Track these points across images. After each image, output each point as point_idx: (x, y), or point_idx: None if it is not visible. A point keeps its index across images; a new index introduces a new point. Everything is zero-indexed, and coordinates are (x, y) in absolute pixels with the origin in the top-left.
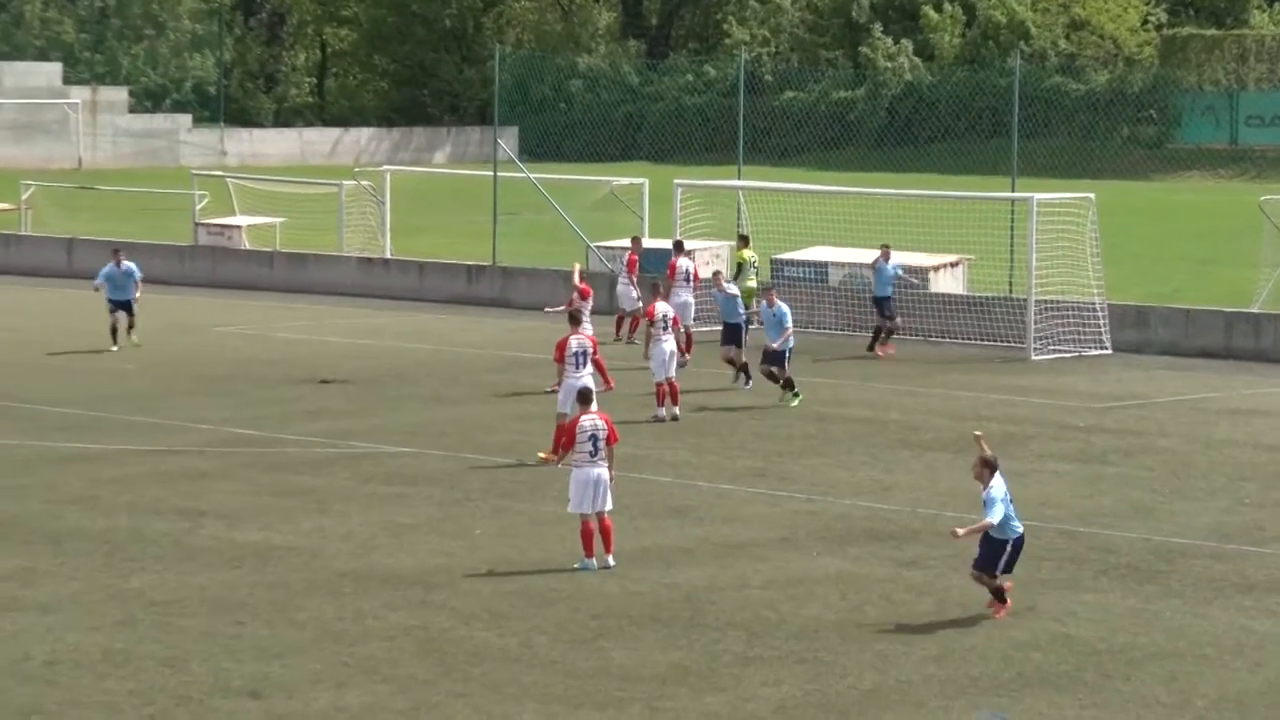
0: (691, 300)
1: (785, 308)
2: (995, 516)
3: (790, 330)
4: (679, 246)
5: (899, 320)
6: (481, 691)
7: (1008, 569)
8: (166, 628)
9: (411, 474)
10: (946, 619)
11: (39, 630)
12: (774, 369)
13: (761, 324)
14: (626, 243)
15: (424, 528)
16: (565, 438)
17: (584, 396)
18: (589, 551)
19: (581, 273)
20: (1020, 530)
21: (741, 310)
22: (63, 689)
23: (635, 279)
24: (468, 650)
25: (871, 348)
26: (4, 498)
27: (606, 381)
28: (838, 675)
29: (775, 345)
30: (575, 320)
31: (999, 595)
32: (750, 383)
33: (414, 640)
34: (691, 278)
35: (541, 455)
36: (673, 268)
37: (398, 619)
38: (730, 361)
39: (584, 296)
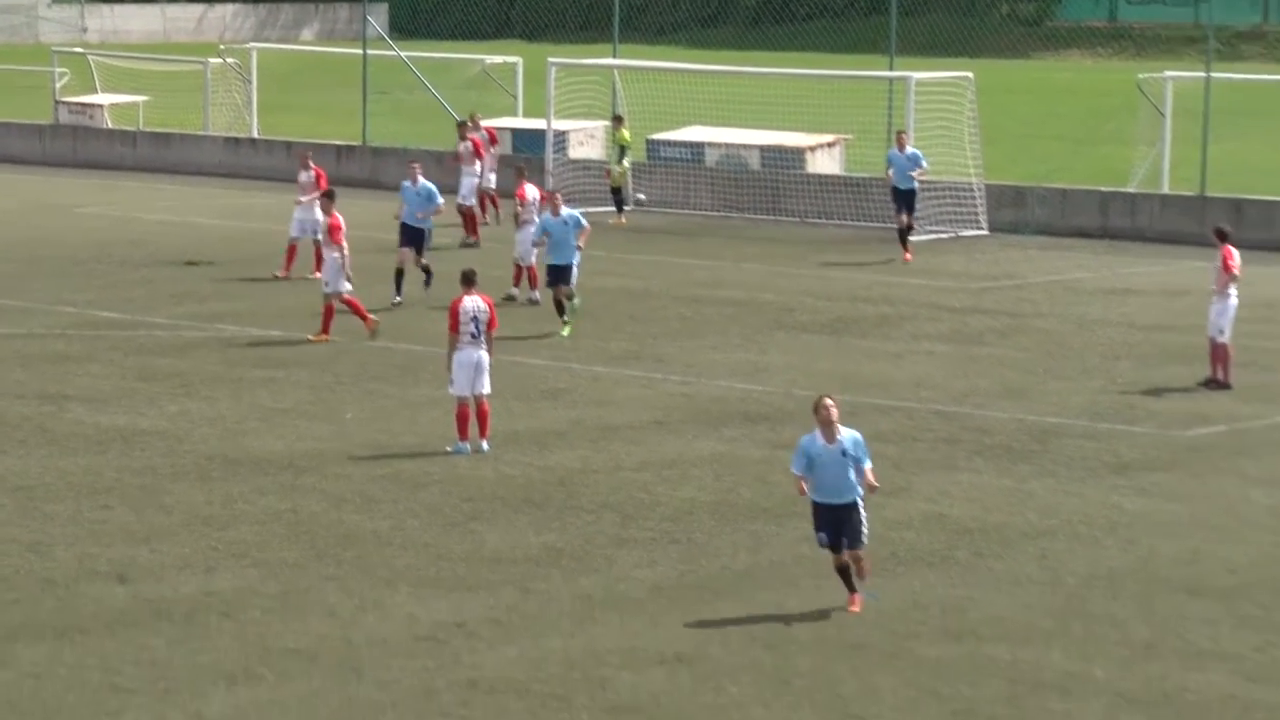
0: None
1: (576, 213)
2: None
3: (588, 231)
4: (466, 126)
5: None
6: (353, 575)
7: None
8: (31, 513)
9: (280, 358)
10: None
11: None
12: (563, 287)
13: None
14: (502, 122)
15: (294, 412)
16: (450, 319)
17: (467, 278)
18: (463, 434)
19: (306, 156)
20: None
21: (575, 244)
22: None
23: (483, 164)
24: (338, 534)
25: (905, 246)
26: None
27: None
28: (711, 556)
29: (576, 247)
30: (332, 197)
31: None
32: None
33: (284, 524)
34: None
35: (310, 336)
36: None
37: (267, 503)
38: (559, 302)
39: (318, 183)
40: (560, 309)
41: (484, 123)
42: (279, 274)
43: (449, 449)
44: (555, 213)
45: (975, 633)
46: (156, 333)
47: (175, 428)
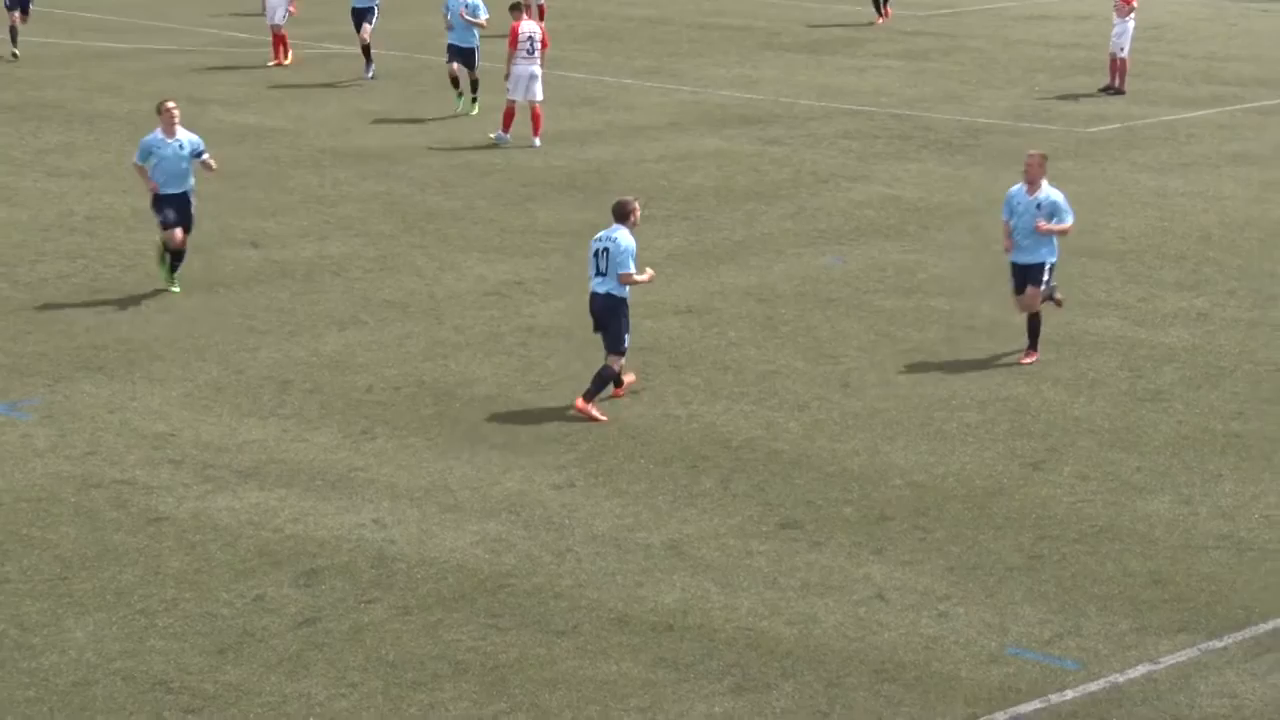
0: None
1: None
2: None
3: (484, 21)
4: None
5: None
6: (435, 243)
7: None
8: None
9: (377, 71)
10: (800, 186)
11: (79, 193)
12: (457, 65)
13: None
14: None
15: (387, 115)
16: (510, 39)
17: (523, 7)
18: (506, 127)
19: None
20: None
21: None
22: (100, 239)
23: None
24: (423, 211)
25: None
26: (46, 85)
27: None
28: (715, 230)
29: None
30: None
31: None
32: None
33: (381, 204)
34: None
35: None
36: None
37: (368, 186)
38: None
39: None
40: (475, 85)
41: None
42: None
43: (491, 135)
44: None
45: (921, 289)
46: None
47: (295, 126)
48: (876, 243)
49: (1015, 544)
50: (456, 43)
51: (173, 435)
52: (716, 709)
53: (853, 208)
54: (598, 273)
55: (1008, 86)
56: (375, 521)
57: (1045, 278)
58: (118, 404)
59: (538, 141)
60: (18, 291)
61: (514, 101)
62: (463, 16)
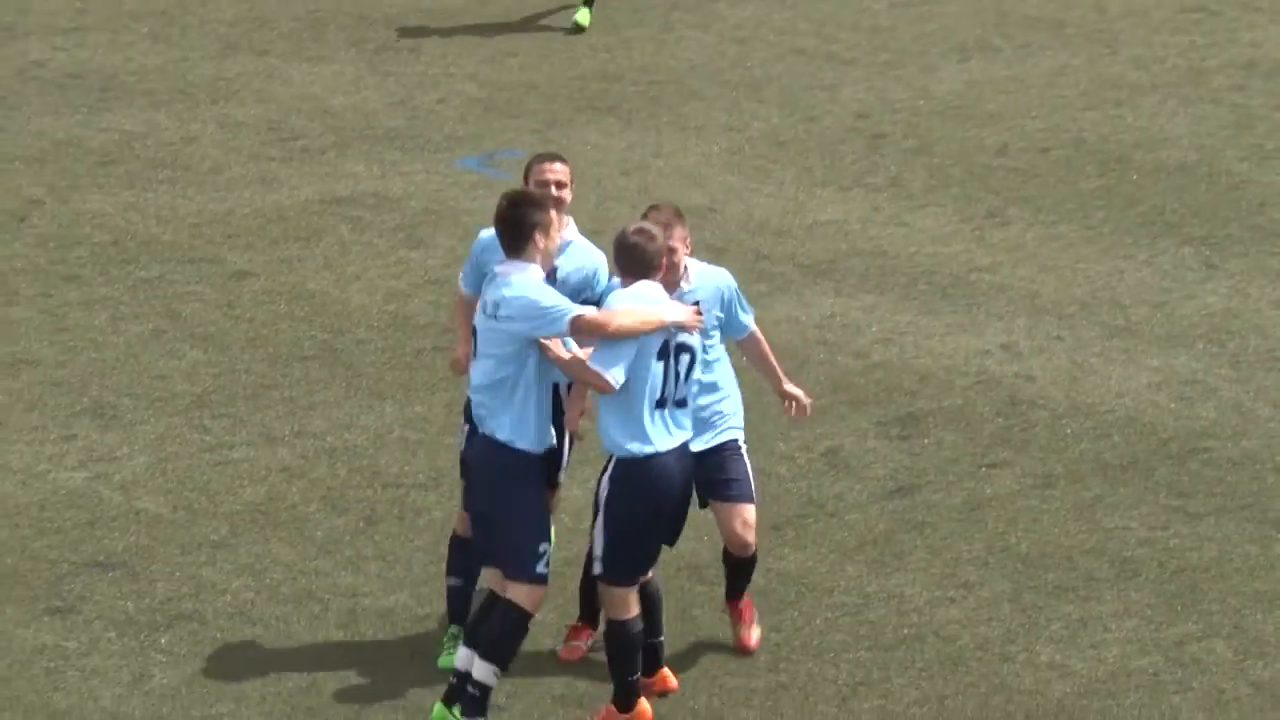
0: None
1: None
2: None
3: None
4: None
5: None
6: None
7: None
8: None
9: None
10: None
11: None
12: None
13: None
14: None
15: None
16: None
17: None
18: None
19: None
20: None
21: None
22: None
23: None
24: None
25: None
26: None
27: None
28: None
29: None
30: None
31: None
32: None
33: None
34: None
35: None
36: None
37: None
38: None
39: None
40: None
41: None
42: None
43: None
44: None
45: None
46: None
47: None
48: None
49: None
50: None
51: (712, 210)
52: None
53: None
54: (672, 402)
55: None
56: (1004, 348)
57: (748, 469)
58: (635, 161)
59: None
60: None
61: None
62: None
